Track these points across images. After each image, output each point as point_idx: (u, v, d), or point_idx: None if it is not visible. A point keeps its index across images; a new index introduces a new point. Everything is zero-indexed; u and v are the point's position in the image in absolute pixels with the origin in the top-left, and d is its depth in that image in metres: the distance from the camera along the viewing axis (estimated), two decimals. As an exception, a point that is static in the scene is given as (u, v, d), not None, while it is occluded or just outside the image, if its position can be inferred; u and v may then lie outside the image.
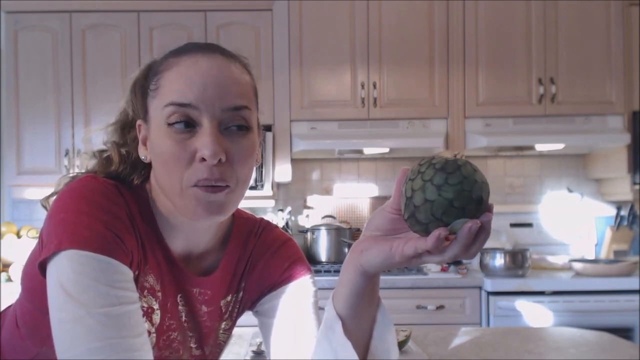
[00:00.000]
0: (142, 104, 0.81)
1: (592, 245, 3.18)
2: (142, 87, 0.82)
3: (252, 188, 2.91)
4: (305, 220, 3.25)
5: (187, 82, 0.75)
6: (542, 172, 3.31)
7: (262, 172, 2.94)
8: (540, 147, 3.03)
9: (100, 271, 0.69)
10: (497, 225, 3.13)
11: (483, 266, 2.73)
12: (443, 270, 2.85)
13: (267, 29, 2.99)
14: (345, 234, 3.02)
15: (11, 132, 3.02)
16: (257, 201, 3.03)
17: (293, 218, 3.22)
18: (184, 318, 0.85)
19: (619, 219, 3.07)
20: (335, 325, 0.74)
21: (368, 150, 3.02)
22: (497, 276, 2.67)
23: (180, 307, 0.85)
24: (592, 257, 3.12)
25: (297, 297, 0.92)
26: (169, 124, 0.75)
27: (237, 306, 0.92)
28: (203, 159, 0.73)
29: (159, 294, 0.81)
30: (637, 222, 3.08)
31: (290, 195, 3.29)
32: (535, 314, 2.58)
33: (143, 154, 0.81)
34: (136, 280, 0.77)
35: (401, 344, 1.27)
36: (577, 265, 2.75)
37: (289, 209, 3.16)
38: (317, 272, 2.75)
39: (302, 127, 2.92)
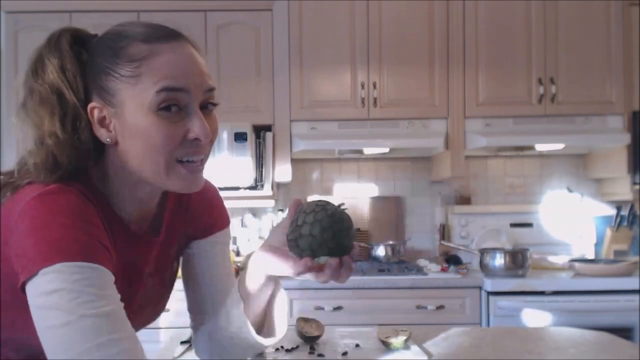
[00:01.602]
0: (101, 87, 0.82)
1: (592, 245, 3.17)
2: (95, 73, 0.82)
3: (252, 188, 2.91)
4: (305, 220, 3.25)
5: (179, 68, 0.80)
6: (542, 172, 3.31)
7: (262, 172, 2.94)
8: (540, 147, 3.03)
9: (89, 278, 0.73)
10: (497, 225, 3.13)
11: (483, 266, 2.73)
12: (443, 270, 2.85)
13: (267, 29, 2.99)
14: (345, 234, 3.02)
15: (11, 132, 3.02)
16: (257, 201, 3.03)
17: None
18: (150, 284, 0.94)
19: (619, 219, 3.07)
20: (238, 300, 0.92)
21: (368, 150, 3.02)
22: (497, 276, 2.67)
23: (146, 277, 0.93)
24: (592, 257, 3.12)
25: (224, 243, 1.04)
26: (160, 108, 0.79)
27: (181, 249, 1.02)
28: (196, 139, 0.81)
29: (122, 280, 0.84)
30: (637, 222, 3.08)
31: (290, 195, 3.29)
32: (535, 314, 2.58)
33: (106, 136, 0.83)
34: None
35: (401, 344, 1.27)
36: (577, 265, 2.75)
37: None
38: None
39: (302, 127, 2.92)
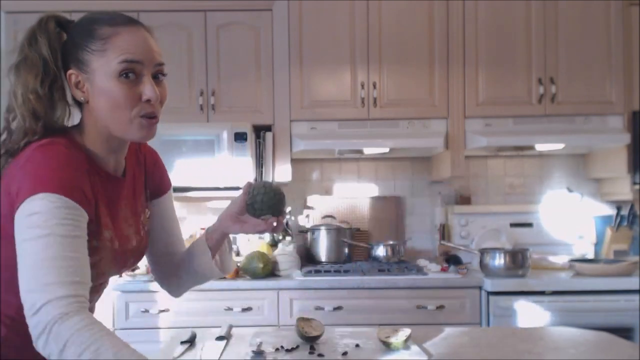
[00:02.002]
0: (76, 60, 1.06)
1: (592, 245, 3.17)
2: (73, 48, 1.08)
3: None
4: (305, 220, 3.25)
5: (135, 46, 1.05)
6: (542, 172, 3.31)
7: (262, 172, 2.94)
8: (540, 147, 3.03)
9: (67, 208, 0.94)
10: (497, 225, 3.13)
11: (483, 266, 2.73)
12: (443, 270, 2.85)
13: (267, 29, 2.99)
14: (345, 234, 3.02)
15: (11, 132, 3.02)
16: (257, 201, 3.03)
17: (293, 218, 3.22)
18: (130, 222, 1.17)
19: (619, 219, 3.07)
20: (206, 250, 1.24)
21: (368, 150, 3.02)
22: (497, 276, 2.67)
23: (125, 214, 1.16)
24: (592, 257, 3.12)
25: (172, 200, 1.34)
26: (121, 75, 1.03)
27: (146, 203, 1.26)
28: (148, 100, 1.05)
29: (108, 214, 1.09)
30: (637, 222, 3.08)
31: (290, 195, 3.29)
32: (535, 314, 2.58)
33: (80, 96, 1.08)
34: (97, 219, 1.05)
35: (401, 344, 1.27)
36: (577, 265, 2.75)
37: (289, 209, 3.16)
38: (317, 272, 2.75)
39: (302, 127, 2.92)
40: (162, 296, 2.67)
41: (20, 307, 0.91)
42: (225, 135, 2.87)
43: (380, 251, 2.95)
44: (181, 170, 2.89)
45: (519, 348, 1.32)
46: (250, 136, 2.89)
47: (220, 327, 1.49)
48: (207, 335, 1.43)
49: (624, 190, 2.99)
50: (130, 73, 1.04)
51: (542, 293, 2.59)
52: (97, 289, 1.12)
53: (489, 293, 2.61)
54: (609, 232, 3.09)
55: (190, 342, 1.37)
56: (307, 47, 2.91)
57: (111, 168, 1.13)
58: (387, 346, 1.28)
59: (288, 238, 3.04)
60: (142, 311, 2.66)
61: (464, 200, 3.25)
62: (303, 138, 2.89)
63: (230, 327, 1.50)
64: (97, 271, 1.03)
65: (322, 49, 2.92)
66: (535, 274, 2.76)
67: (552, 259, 2.94)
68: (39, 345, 0.88)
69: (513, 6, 2.91)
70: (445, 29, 2.92)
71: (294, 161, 3.02)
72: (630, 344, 1.37)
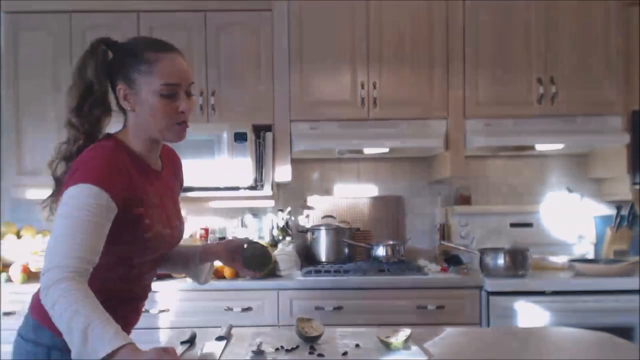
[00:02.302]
0: (125, 77, 1.31)
1: (592, 245, 3.17)
2: (122, 67, 1.32)
3: (252, 188, 2.91)
4: (305, 220, 3.25)
5: (175, 71, 1.31)
6: (542, 172, 3.31)
7: (262, 172, 2.94)
8: (540, 147, 3.03)
9: (94, 198, 1.18)
10: (497, 225, 3.13)
11: (483, 266, 2.73)
12: (443, 270, 2.85)
13: (267, 29, 2.98)
14: (345, 234, 3.02)
15: (11, 132, 3.02)
16: (257, 201, 3.03)
17: (293, 218, 3.22)
18: (170, 203, 1.43)
19: (619, 219, 3.06)
20: (199, 265, 1.56)
21: (368, 150, 3.02)
22: (497, 276, 2.67)
23: (162, 197, 1.39)
24: (592, 257, 3.12)
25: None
26: (162, 95, 1.30)
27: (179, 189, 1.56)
28: (182, 112, 1.32)
29: (154, 200, 1.34)
30: (637, 222, 3.07)
31: (290, 195, 3.29)
32: (535, 314, 2.58)
33: (127, 106, 1.33)
34: (138, 203, 1.29)
35: (401, 344, 1.27)
36: (577, 265, 2.75)
37: (289, 209, 3.16)
38: (317, 272, 2.75)
39: (302, 127, 2.92)
40: (162, 296, 2.67)
41: (107, 278, 1.28)
42: (225, 135, 2.86)
43: (380, 251, 2.95)
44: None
45: (519, 348, 1.32)
46: (250, 136, 2.89)
47: (220, 327, 1.49)
48: (207, 335, 1.43)
49: (624, 190, 2.99)
50: (170, 94, 1.30)
51: (542, 293, 2.59)
52: (154, 262, 1.43)
53: (489, 293, 2.61)
54: (609, 232, 3.09)
55: (190, 342, 1.37)
56: (307, 47, 2.91)
57: (152, 162, 1.38)
58: (387, 346, 1.28)
59: (288, 238, 3.04)
60: (142, 311, 2.66)
61: (464, 200, 3.25)
62: (303, 138, 2.89)
63: (230, 327, 1.50)
64: (152, 244, 1.33)
65: (322, 49, 2.91)
66: (535, 274, 2.76)
67: (552, 259, 2.94)
68: (42, 299, 1.11)
69: (513, 6, 2.91)
70: (445, 29, 2.92)
71: (294, 161, 3.02)
72: (630, 344, 1.37)
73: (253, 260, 1.49)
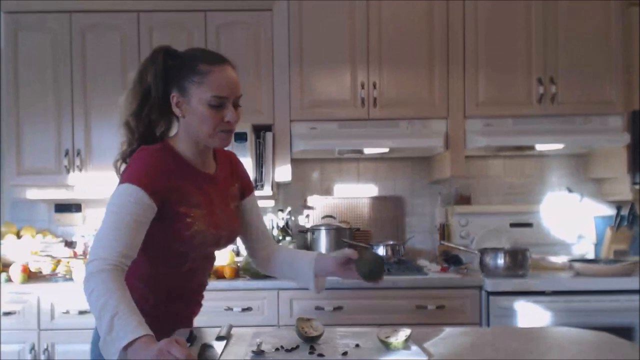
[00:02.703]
0: (179, 86, 1.41)
1: (592, 245, 3.17)
2: (177, 76, 1.41)
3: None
4: (305, 220, 3.25)
5: (224, 84, 1.40)
6: (542, 172, 3.31)
7: (262, 172, 2.94)
8: (540, 147, 3.03)
9: (134, 197, 1.31)
10: (497, 225, 3.13)
11: (483, 266, 2.73)
12: (443, 270, 2.85)
13: (267, 29, 2.99)
14: (345, 234, 3.02)
15: (11, 132, 3.02)
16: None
17: (293, 218, 3.22)
18: (219, 203, 1.49)
19: (619, 219, 3.06)
20: (311, 275, 1.57)
21: (368, 150, 3.02)
22: (497, 276, 2.67)
23: (213, 199, 1.47)
24: (592, 257, 3.12)
25: (256, 199, 1.68)
26: (211, 105, 1.38)
27: (237, 197, 1.59)
28: (229, 122, 1.40)
29: (199, 199, 1.42)
30: (637, 222, 3.07)
31: (290, 195, 3.29)
32: (535, 314, 2.58)
33: (178, 113, 1.42)
34: (178, 202, 1.39)
35: (401, 344, 1.27)
36: (577, 265, 2.75)
37: (289, 209, 3.16)
38: (317, 272, 2.75)
39: (302, 127, 2.92)
40: (162, 296, 2.67)
41: (143, 265, 1.41)
42: (225, 135, 2.86)
43: (380, 251, 2.95)
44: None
45: (519, 348, 1.31)
46: (250, 136, 2.89)
47: (220, 327, 1.49)
48: (207, 335, 1.43)
49: (624, 191, 2.99)
50: (218, 105, 1.39)
51: (542, 293, 2.59)
52: (206, 260, 1.54)
53: (489, 293, 2.61)
54: (609, 232, 3.09)
55: (191, 342, 1.36)
56: (307, 47, 2.91)
57: (199, 165, 1.47)
58: (387, 346, 1.28)
59: (288, 238, 3.04)
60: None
61: (464, 200, 3.25)
62: (303, 138, 2.89)
63: (230, 327, 1.50)
64: (194, 242, 1.41)
65: (322, 49, 2.91)
66: (535, 274, 2.76)
67: (552, 259, 2.94)
68: (83, 286, 1.22)
69: (513, 6, 2.91)
70: (445, 29, 2.92)
71: (294, 161, 3.02)
72: (630, 344, 1.37)
73: (372, 274, 1.48)
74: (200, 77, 1.39)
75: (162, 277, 1.47)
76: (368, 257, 1.48)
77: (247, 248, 1.69)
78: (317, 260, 1.55)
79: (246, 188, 1.63)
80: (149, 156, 1.39)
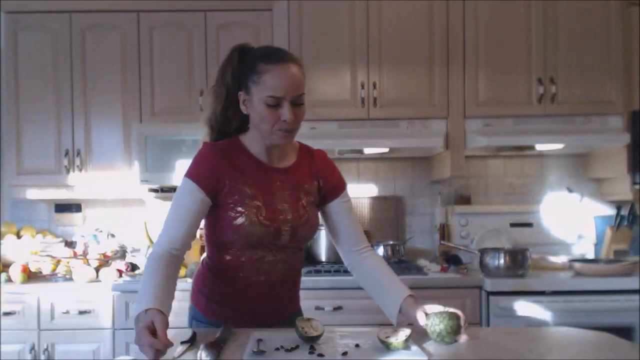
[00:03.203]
0: (244, 84, 1.48)
1: (592, 245, 3.18)
2: (244, 75, 1.48)
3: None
4: (305, 220, 3.25)
5: (279, 84, 1.42)
6: (542, 172, 3.31)
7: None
8: (540, 147, 3.03)
9: (188, 189, 1.44)
10: (497, 225, 3.13)
11: (483, 266, 2.73)
12: (443, 270, 2.85)
13: (267, 29, 2.99)
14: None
15: (11, 132, 3.02)
16: (257, 201, 3.03)
17: (293, 218, 3.21)
18: (285, 195, 1.53)
19: (619, 219, 3.06)
20: (393, 308, 1.63)
21: (368, 150, 3.02)
22: (497, 276, 2.67)
23: (275, 191, 1.52)
24: (592, 257, 3.12)
25: (347, 201, 1.68)
26: (267, 104, 1.43)
27: (315, 193, 1.60)
28: (284, 121, 1.43)
29: (256, 190, 1.48)
30: (637, 222, 3.08)
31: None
32: (535, 314, 2.58)
33: (244, 110, 1.50)
34: (230, 193, 1.47)
35: (401, 344, 1.27)
36: (577, 265, 2.75)
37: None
38: (317, 272, 2.75)
39: (302, 127, 2.90)
40: (162, 296, 2.67)
41: (211, 252, 1.56)
42: (225, 135, 2.86)
43: (380, 251, 2.95)
44: (181, 170, 2.88)
45: (519, 348, 1.31)
46: (250, 136, 2.89)
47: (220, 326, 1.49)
48: (207, 335, 1.43)
49: (624, 190, 2.99)
50: (274, 104, 1.42)
51: (542, 293, 2.59)
52: (270, 251, 1.52)
53: (489, 293, 2.61)
54: (609, 232, 3.09)
55: (190, 342, 1.36)
56: (307, 47, 2.91)
57: (267, 159, 1.53)
58: (387, 346, 1.28)
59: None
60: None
61: (464, 200, 3.25)
62: (303, 138, 2.86)
63: (230, 327, 1.50)
64: (242, 232, 1.46)
65: (322, 49, 2.91)
66: (535, 274, 2.76)
67: (552, 259, 2.94)
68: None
69: (513, 6, 2.91)
70: (445, 29, 2.92)
71: (294, 161, 3.02)
72: (630, 344, 1.37)
73: (441, 337, 1.35)
74: (258, 77, 1.44)
75: (223, 265, 1.53)
76: (448, 324, 1.35)
77: (337, 248, 1.70)
78: (402, 306, 1.57)
79: (334, 189, 1.64)
80: (205, 151, 1.49)
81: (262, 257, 1.52)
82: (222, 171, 1.47)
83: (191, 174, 1.46)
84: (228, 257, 1.52)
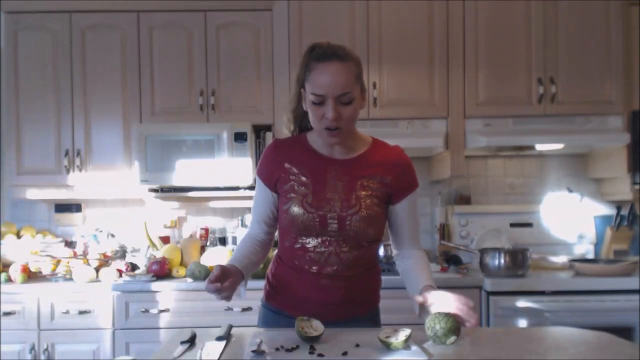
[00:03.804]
0: (304, 82, 1.51)
1: (592, 245, 3.18)
2: (303, 73, 1.51)
3: (252, 188, 2.91)
4: (305, 220, 3.25)
5: (322, 82, 1.45)
6: (542, 172, 3.31)
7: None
8: (540, 147, 3.03)
9: (258, 182, 1.63)
10: (497, 225, 3.13)
11: (483, 266, 2.73)
12: (443, 270, 2.85)
13: (267, 29, 2.99)
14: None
15: (11, 132, 3.02)
16: (257, 201, 3.03)
17: (293, 218, 3.21)
18: (337, 184, 1.55)
19: (619, 219, 3.07)
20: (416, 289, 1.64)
21: (368, 150, 3.01)
22: (497, 276, 2.67)
23: (328, 180, 1.55)
24: (592, 257, 3.12)
25: (414, 201, 1.64)
26: (312, 102, 1.47)
27: (379, 188, 1.57)
28: (327, 118, 1.46)
29: (308, 179, 1.55)
30: (637, 222, 3.08)
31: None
32: (535, 314, 2.58)
33: (304, 107, 1.54)
34: (287, 181, 1.57)
35: (401, 344, 1.27)
36: (577, 265, 2.75)
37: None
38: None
39: (302, 127, 2.91)
40: (162, 296, 2.67)
41: (279, 240, 1.66)
42: (225, 135, 2.87)
43: (380, 251, 2.95)
44: (181, 170, 2.89)
45: (519, 348, 1.31)
46: (250, 136, 2.89)
47: (220, 327, 1.49)
48: (207, 335, 1.43)
49: (624, 190, 3.00)
50: (317, 101, 1.46)
51: (542, 293, 2.59)
52: (322, 242, 1.54)
53: (489, 293, 2.61)
54: (609, 232, 3.09)
55: (190, 342, 1.36)
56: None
57: (327, 151, 1.57)
58: (387, 346, 1.28)
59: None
60: (142, 311, 2.66)
61: (464, 200, 3.25)
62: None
63: (230, 327, 1.50)
64: (288, 218, 1.53)
65: (322, 49, 2.91)
66: (535, 274, 2.76)
67: (552, 259, 2.94)
68: None
69: (513, 6, 2.91)
70: (445, 29, 2.92)
71: (294, 161, 3.02)
72: (630, 344, 1.37)
73: (444, 340, 1.34)
74: (308, 74, 1.49)
75: (283, 252, 1.64)
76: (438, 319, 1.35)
77: (391, 240, 1.72)
78: (423, 294, 1.57)
79: (403, 191, 1.60)
80: (267, 147, 1.63)
81: (314, 247, 1.55)
82: (278, 164, 1.58)
83: (257, 170, 1.63)
84: (287, 244, 1.60)
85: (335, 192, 1.54)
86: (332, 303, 1.58)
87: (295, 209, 1.52)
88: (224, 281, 1.37)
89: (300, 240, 1.56)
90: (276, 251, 1.71)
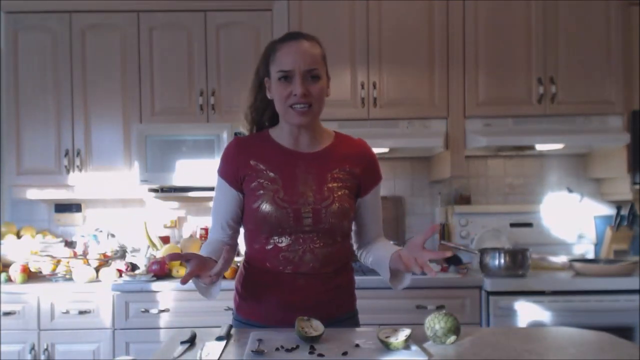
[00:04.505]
0: (268, 70, 1.51)
1: (592, 245, 3.17)
2: (266, 60, 1.51)
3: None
4: (305, 220, 3.25)
5: (288, 59, 1.45)
6: (542, 172, 3.31)
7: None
8: (540, 147, 3.03)
9: (219, 183, 1.56)
10: (497, 225, 3.13)
11: (483, 266, 2.73)
12: (443, 270, 2.85)
13: (267, 29, 2.99)
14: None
15: (11, 132, 3.02)
16: (257, 201, 3.03)
17: (293, 218, 3.21)
18: (308, 178, 1.53)
19: (619, 219, 3.07)
20: (385, 263, 1.55)
21: (368, 150, 3.01)
22: (497, 276, 2.67)
23: (297, 174, 1.52)
24: (592, 257, 3.12)
25: (377, 194, 1.72)
26: (279, 79, 1.46)
27: (349, 179, 1.59)
28: (295, 95, 1.45)
29: (276, 174, 1.51)
30: (637, 222, 3.08)
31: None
32: (535, 314, 2.58)
33: (269, 95, 1.53)
34: (255, 179, 1.52)
35: (401, 344, 1.27)
36: (577, 265, 2.75)
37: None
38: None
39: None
40: (162, 296, 2.67)
41: (245, 245, 1.60)
42: (225, 135, 2.86)
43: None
44: (181, 170, 2.89)
45: (519, 348, 1.31)
46: (250, 136, 2.89)
47: (220, 327, 1.49)
48: (207, 335, 1.43)
49: (624, 190, 3.00)
50: (284, 77, 1.45)
51: (542, 293, 2.59)
52: (295, 240, 1.50)
53: (489, 293, 2.61)
54: (609, 232, 3.09)
55: (190, 342, 1.36)
56: (307, 47, 2.90)
57: (292, 145, 1.55)
58: (387, 346, 1.28)
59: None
60: (142, 311, 2.66)
61: (464, 200, 3.25)
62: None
63: (230, 327, 1.50)
64: (259, 215, 1.48)
65: (322, 49, 2.91)
66: (535, 274, 2.76)
67: (552, 259, 2.94)
68: None
69: (513, 6, 2.91)
70: (445, 29, 2.92)
71: (294, 161, 3.02)
72: (630, 344, 1.36)
73: (444, 340, 1.33)
74: (273, 56, 1.48)
75: (252, 257, 1.57)
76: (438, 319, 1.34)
77: (353, 235, 1.69)
78: (391, 266, 1.53)
79: (369, 184, 1.65)
80: (228, 146, 1.58)
81: (287, 246, 1.50)
82: (242, 161, 1.53)
83: (218, 170, 1.56)
84: (256, 246, 1.54)
85: (307, 185, 1.51)
86: (315, 303, 1.51)
87: (267, 206, 1.47)
88: (193, 265, 1.31)
89: (272, 241, 1.50)
90: (241, 259, 1.65)
